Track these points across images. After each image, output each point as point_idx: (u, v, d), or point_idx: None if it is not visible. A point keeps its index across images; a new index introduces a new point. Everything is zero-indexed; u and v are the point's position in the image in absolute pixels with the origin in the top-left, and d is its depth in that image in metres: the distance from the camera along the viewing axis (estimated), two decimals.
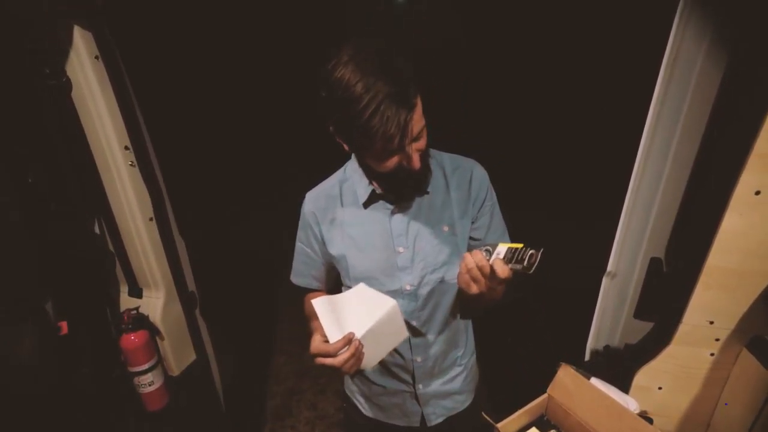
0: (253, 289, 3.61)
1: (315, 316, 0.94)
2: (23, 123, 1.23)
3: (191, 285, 1.55)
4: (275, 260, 4.00)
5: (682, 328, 0.93)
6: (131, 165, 1.31)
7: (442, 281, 0.97)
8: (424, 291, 0.96)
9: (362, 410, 1.14)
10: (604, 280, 1.13)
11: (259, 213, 4.86)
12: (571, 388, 0.99)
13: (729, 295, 0.87)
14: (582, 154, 4.87)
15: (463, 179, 0.98)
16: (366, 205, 0.95)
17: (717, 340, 0.92)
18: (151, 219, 1.38)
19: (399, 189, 0.92)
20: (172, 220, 1.46)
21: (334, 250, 0.98)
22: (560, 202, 4.24)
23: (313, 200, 1.00)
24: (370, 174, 0.93)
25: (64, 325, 1.27)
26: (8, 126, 1.17)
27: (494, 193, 1.01)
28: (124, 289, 1.50)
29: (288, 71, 6.18)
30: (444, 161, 0.99)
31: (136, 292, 1.48)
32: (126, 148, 1.30)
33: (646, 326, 1.12)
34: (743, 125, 0.79)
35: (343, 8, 5.54)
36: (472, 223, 0.99)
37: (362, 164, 0.94)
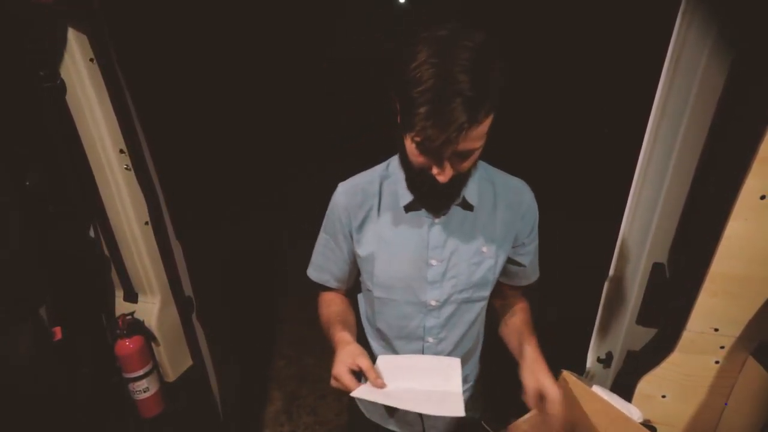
0: (252, 292, 3.59)
1: (336, 325, 0.91)
2: (19, 125, 1.22)
3: (188, 290, 1.53)
4: (274, 262, 4.01)
5: (686, 336, 0.91)
6: (126, 168, 1.30)
7: (467, 301, 0.93)
8: (448, 309, 0.92)
9: (365, 413, 1.12)
10: (606, 286, 1.11)
11: (258, 213, 4.85)
12: (573, 396, 0.97)
13: (734, 301, 0.85)
14: (582, 157, 4.86)
15: (514, 201, 0.91)
16: (407, 209, 0.88)
17: (722, 347, 0.91)
18: (146, 223, 1.37)
19: (429, 199, 0.85)
20: (169, 223, 1.44)
21: (362, 250, 0.92)
22: (562, 206, 4.22)
23: (348, 193, 0.92)
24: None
25: (58, 331, 1.25)
26: (5, 127, 1.17)
27: None
28: (119, 294, 1.49)
29: (286, 71, 6.19)
30: (495, 177, 0.93)
31: (131, 296, 1.47)
32: (121, 151, 1.28)
33: (648, 333, 1.10)
34: (747, 129, 0.77)
35: (342, 8, 5.54)
36: (520, 246, 0.95)
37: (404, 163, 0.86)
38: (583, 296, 1.38)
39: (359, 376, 0.80)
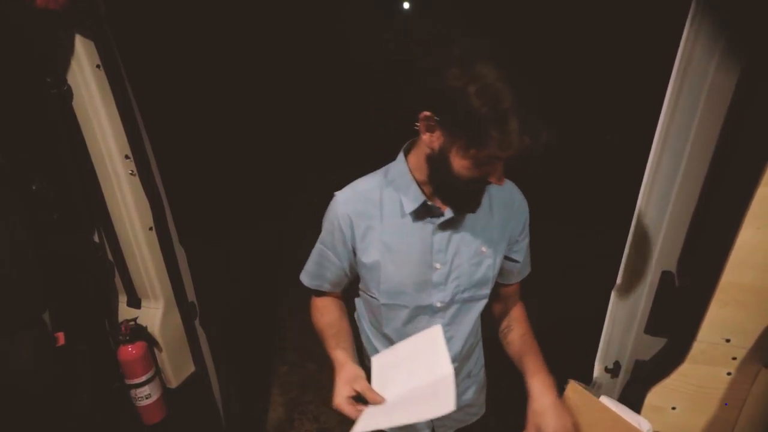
0: (254, 297, 3.59)
1: (330, 339, 0.95)
2: (25, 131, 1.23)
3: (191, 295, 1.53)
4: (277, 267, 4.01)
5: (697, 346, 0.89)
6: (131, 174, 1.30)
7: (469, 300, 0.96)
8: (453, 309, 0.95)
9: None
10: (613, 294, 1.10)
11: (262, 218, 4.86)
12: (580, 406, 0.95)
13: (746, 312, 0.83)
14: (590, 165, 4.83)
15: (507, 201, 0.96)
16: (414, 215, 0.89)
17: (734, 358, 0.88)
18: (150, 228, 1.37)
19: (461, 202, 0.87)
20: (173, 229, 1.45)
21: (367, 258, 0.92)
22: (569, 212, 4.19)
23: (349, 202, 0.92)
24: (425, 182, 0.88)
25: (61, 336, 1.25)
26: (12, 133, 1.17)
27: None
28: (122, 300, 1.49)
29: (293, 77, 6.23)
30: None
31: (134, 302, 1.46)
32: (126, 157, 1.29)
33: (657, 342, 1.08)
34: (759, 135, 0.76)
35: (346, 14, 5.58)
36: (514, 243, 0.99)
37: (418, 169, 0.88)
38: (590, 305, 1.36)
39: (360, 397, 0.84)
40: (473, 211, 0.90)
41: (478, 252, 0.93)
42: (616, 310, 1.10)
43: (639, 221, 1.01)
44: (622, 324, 1.11)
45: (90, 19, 1.14)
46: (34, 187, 1.23)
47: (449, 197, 0.87)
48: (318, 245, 1.00)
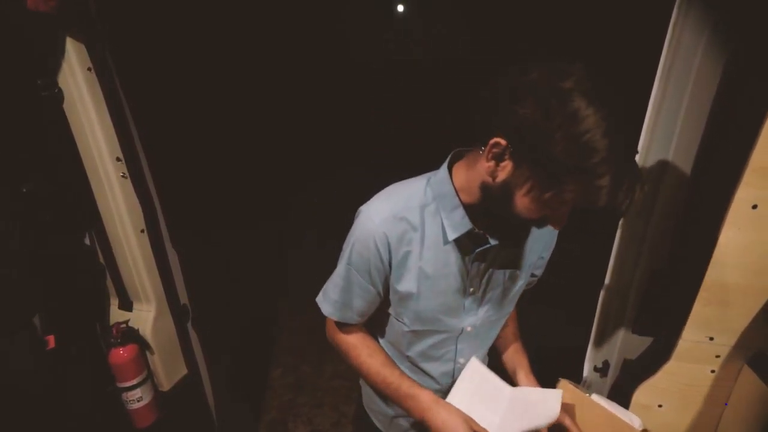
0: (248, 299, 3.57)
1: (398, 375, 0.90)
2: (17, 133, 1.22)
3: (183, 298, 1.52)
4: (276, 267, 4.00)
5: (682, 345, 0.91)
6: (123, 176, 1.30)
7: (497, 319, 0.95)
8: (481, 331, 0.94)
9: (380, 427, 1.09)
10: (602, 294, 1.11)
11: (257, 221, 4.84)
12: (571, 404, 0.96)
13: (729, 310, 0.85)
14: None
15: None
16: (457, 242, 0.80)
17: (717, 356, 0.91)
18: (142, 231, 1.37)
19: (509, 235, 0.82)
20: (164, 231, 1.44)
21: (402, 286, 0.83)
22: None
23: (387, 223, 0.79)
24: (470, 205, 0.78)
25: (51, 339, 1.24)
26: (3, 135, 1.17)
27: None
28: (114, 302, 1.48)
29: (293, 77, 6.23)
30: None
31: (126, 305, 1.46)
32: (118, 159, 1.29)
33: (645, 341, 1.10)
34: (740, 137, 0.78)
35: (346, 14, 5.58)
36: (539, 260, 0.96)
37: (466, 191, 0.78)
38: (579, 305, 1.38)
39: None
40: (519, 243, 0.87)
41: (512, 276, 0.89)
42: (605, 309, 1.12)
43: (626, 222, 1.03)
44: (610, 323, 1.13)
45: (81, 21, 1.14)
46: (24, 190, 1.23)
47: (497, 228, 0.80)
48: (344, 267, 0.85)
